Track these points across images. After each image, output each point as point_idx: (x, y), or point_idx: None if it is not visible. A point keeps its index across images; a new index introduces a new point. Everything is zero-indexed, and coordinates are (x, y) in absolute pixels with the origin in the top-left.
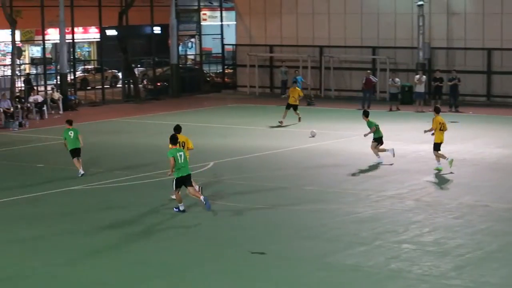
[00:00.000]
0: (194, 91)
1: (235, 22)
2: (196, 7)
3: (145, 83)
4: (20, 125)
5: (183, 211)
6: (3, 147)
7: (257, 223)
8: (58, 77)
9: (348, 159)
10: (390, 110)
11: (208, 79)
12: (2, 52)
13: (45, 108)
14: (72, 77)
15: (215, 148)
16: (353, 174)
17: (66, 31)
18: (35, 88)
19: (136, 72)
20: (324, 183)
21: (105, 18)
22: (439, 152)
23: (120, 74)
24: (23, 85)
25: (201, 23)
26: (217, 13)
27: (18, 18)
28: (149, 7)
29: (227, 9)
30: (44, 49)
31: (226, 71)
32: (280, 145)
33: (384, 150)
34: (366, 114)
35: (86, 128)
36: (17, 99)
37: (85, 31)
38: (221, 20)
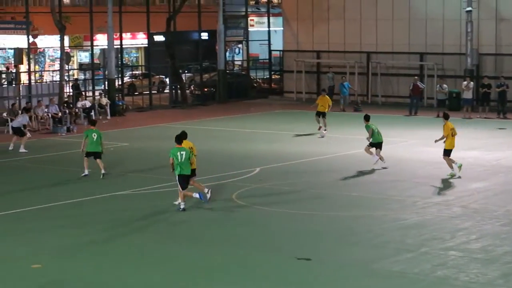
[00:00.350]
0: (241, 97)
1: (282, 28)
2: (243, 13)
3: (192, 88)
4: (68, 130)
5: (183, 209)
6: (51, 152)
7: (303, 229)
8: (106, 83)
9: (394, 166)
10: (438, 116)
11: (255, 85)
12: (51, 58)
13: (92, 113)
14: (120, 83)
15: (262, 154)
16: (399, 181)
17: (114, 36)
18: (83, 93)
19: (184, 78)
20: (369, 189)
21: (153, 24)
22: (449, 158)
23: (167, 80)
24: (71, 90)
25: (249, 29)
26: (265, 19)
27: (67, 23)
28: (196, 13)
29: (275, 15)
30: (92, 54)
31: (273, 77)
32: (326, 151)
33: (371, 153)
34: (366, 118)
35: (133, 134)
36: (65, 104)
37: (133, 37)
38: (269, 26)
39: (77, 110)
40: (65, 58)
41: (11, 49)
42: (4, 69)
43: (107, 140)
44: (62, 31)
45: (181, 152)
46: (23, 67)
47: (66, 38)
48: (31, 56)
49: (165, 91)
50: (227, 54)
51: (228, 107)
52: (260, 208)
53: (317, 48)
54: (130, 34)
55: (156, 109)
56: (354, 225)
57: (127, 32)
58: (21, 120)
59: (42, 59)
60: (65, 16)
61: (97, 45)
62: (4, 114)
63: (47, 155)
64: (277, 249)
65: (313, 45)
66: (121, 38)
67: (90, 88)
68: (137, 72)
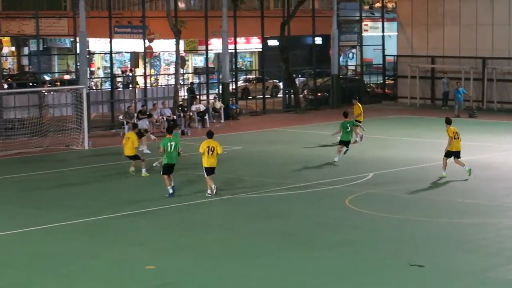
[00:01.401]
0: None
1: (396, 33)
2: (357, 18)
3: (306, 93)
4: (183, 133)
5: (172, 194)
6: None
7: (417, 235)
8: (220, 87)
9: (507, 173)
10: None
11: (368, 90)
12: (166, 62)
13: (207, 117)
14: (234, 87)
15: (375, 159)
16: None
17: (229, 41)
18: (197, 97)
19: (297, 82)
20: (485, 197)
21: (267, 28)
22: (459, 160)
23: (281, 84)
24: (186, 94)
25: (362, 34)
26: (379, 24)
27: (183, 28)
28: (311, 17)
29: (389, 20)
30: (207, 58)
31: (386, 82)
32: (441, 157)
33: (339, 153)
34: (345, 115)
35: (246, 137)
36: (179, 108)
37: (247, 41)
38: (383, 31)
39: (191, 113)
40: (180, 62)
41: (128, 53)
42: (120, 72)
43: (222, 143)
44: (177, 36)
45: (170, 143)
46: (139, 71)
47: (181, 42)
48: (146, 60)
49: (279, 95)
50: (341, 59)
51: (341, 112)
52: (372, 213)
53: (432, 53)
54: (244, 38)
55: (269, 113)
56: (468, 232)
57: (241, 36)
58: (141, 123)
59: (158, 63)
60: (181, 21)
61: (212, 49)
62: (120, 117)
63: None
64: (390, 255)
65: (428, 50)
66: (235, 43)
67: (204, 92)
68: (251, 76)
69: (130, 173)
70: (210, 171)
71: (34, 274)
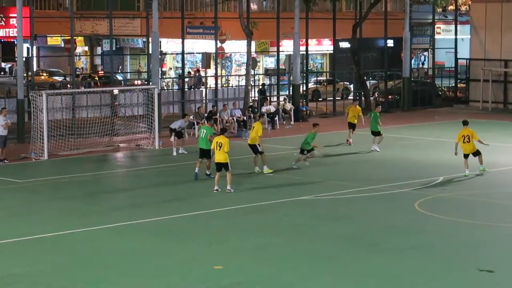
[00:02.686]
0: (426, 105)
1: (469, 36)
2: (430, 21)
3: (377, 95)
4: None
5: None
6: (235, 156)
7: (487, 240)
8: (291, 88)
9: None
10: None
11: (440, 93)
12: (237, 63)
13: (277, 118)
14: (304, 88)
15: (445, 163)
16: None
17: (300, 42)
18: (268, 98)
19: (368, 85)
20: None
21: (339, 30)
22: (479, 158)
23: (351, 86)
24: (256, 95)
25: (435, 37)
26: (452, 27)
27: (254, 29)
28: (383, 20)
29: (462, 23)
30: (278, 60)
31: (458, 86)
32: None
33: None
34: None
35: (316, 139)
36: (250, 109)
37: (319, 43)
38: (456, 34)
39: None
40: (251, 63)
41: (199, 53)
42: (192, 73)
43: (291, 145)
44: (249, 37)
45: (203, 130)
46: (210, 71)
47: (253, 44)
48: (218, 61)
49: (349, 97)
50: (413, 61)
51: (412, 115)
52: (442, 217)
53: (505, 57)
54: (315, 40)
55: (339, 116)
56: None
57: (313, 38)
58: (176, 123)
59: (229, 63)
60: (253, 22)
61: (283, 51)
62: (191, 117)
63: (231, 158)
64: (459, 260)
65: (501, 53)
66: (306, 44)
67: (275, 93)
68: (321, 78)
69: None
70: (217, 167)
71: (103, 273)
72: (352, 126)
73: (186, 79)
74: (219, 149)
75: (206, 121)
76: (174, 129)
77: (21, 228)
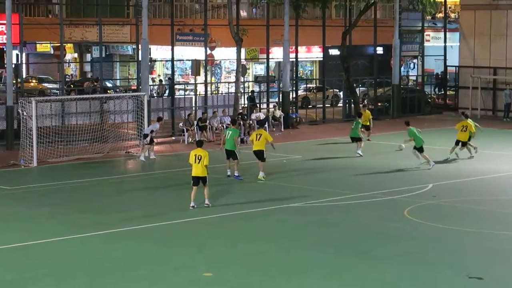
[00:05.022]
0: (415, 112)
1: (458, 44)
2: (419, 28)
3: (366, 103)
4: (242, 141)
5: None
6: (225, 162)
7: (477, 247)
8: (281, 95)
9: None
10: None
11: (429, 100)
12: (227, 70)
13: (266, 125)
14: (294, 95)
15: (434, 170)
16: None
17: (290, 50)
18: (257, 105)
19: (358, 92)
20: None
21: (329, 37)
22: (466, 147)
23: (341, 94)
24: (246, 102)
25: (424, 44)
26: (441, 34)
27: (244, 36)
28: (372, 27)
29: (451, 30)
30: (267, 67)
31: (448, 93)
32: (501, 168)
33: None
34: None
35: (306, 146)
36: (239, 116)
37: (308, 50)
38: (445, 42)
39: (251, 122)
40: (241, 70)
41: (189, 60)
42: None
43: (281, 152)
44: (239, 44)
45: (229, 132)
46: (200, 79)
47: (243, 51)
48: (207, 68)
49: (339, 105)
50: (402, 69)
51: (401, 122)
52: (432, 224)
53: (494, 64)
54: (305, 47)
55: (329, 123)
56: None
57: (302, 45)
58: (151, 128)
59: (219, 70)
60: (242, 29)
61: (273, 58)
62: (180, 124)
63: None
64: (449, 267)
65: (490, 61)
66: (296, 51)
67: (265, 100)
68: (311, 85)
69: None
70: (195, 180)
71: (92, 280)
72: (366, 128)
73: (155, 87)
74: (198, 162)
75: (231, 124)
76: (146, 135)
77: (10, 235)
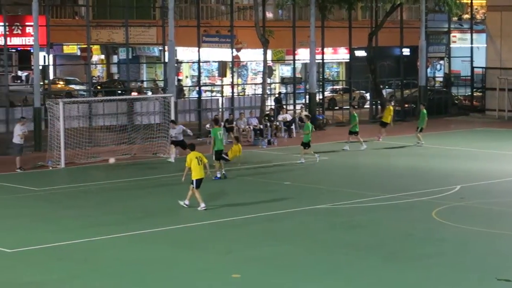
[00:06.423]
0: (441, 114)
1: (485, 45)
2: (446, 29)
3: (392, 104)
4: (269, 142)
5: (219, 178)
6: (251, 164)
7: (505, 249)
8: (307, 97)
9: None
10: None
11: (456, 101)
12: (253, 71)
13: (293, 126)
14: (321, 97)
15: (462, 172)
16: None
17: (316, 51)
18: (284, 107)
19: (384, 93)
20: None
21: (355, 39)
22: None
23: (367, 95)
24: (273, 103)
25: (451, 45)
26: (467, 36)
27: (270, 38)
28: (398, 28)
29: (478, 31)
30: (294, 68)
31: (474, 94)
32: None
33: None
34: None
35: (332, 148)
36: (266, 118)
37: (335, 52)
38: (471, 43)
39: (278, 123)
40: (268, 71)
41: (215, 62)
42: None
43: (307, 154)
44: (265, 45)
45: (219, 132)
46: (227, 80)
47: (269, 52)
48: (234, 69)
49: (365, 106)
50: (428, 70)
51: (428, 124)
52: (460, 226)
53: None
54: (331, 49)
55: None
56: None
57: (328, 46)
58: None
59: (245, 72)
60: (269, 31)
61: (299, 59)
62: (207, 126)
63: (248, 167)
64: (477, 269)
65: None
66: (322, 53)
67: (291, 101)
68: (338, 87)
69: None
70: (200, 182)
71: (118, 282)
72: (384, 125)
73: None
74: (201, 164)
75: (215, 124)
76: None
77: (37, 236)
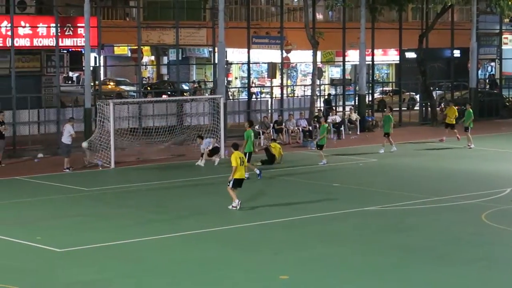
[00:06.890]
0: (492, 116)
1: None
2: (497, 31)
3: (443, 106)
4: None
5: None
6: (300, 165)
7: None
8: (357, 98)
9: None
10: None
11: (507, 104)
12: (303, 73)
13: (342, 128)
14: (370, 99)
15: None
16: None
17: (366, 53)
18: (333, 108)
19: (434, 95)
20: None
21: (405, 40)
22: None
23: (417, 97)
24: (322, 105)
25: (502, 47)
26: None
27: (320, 39)
28: (449, 30)
29: None
30: (344, 70)
31: None
32: None
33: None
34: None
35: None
36: (315, 119)
37: (385, 53)
38: None
39: (327, 125)
40: (317, 73)
41: (265, 63)
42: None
43: (357, 155)
44: (315, 47)
45: (252, 134)
46: (276, 81)
47: (319, 54)
48: (283, 71)
49: (415, 108)
50: (479, 72)
51: (478, 126)
52: (510, 229)
53: None
54: (381, 50)
55: (405, 126)
56: None
57: (378, 48)
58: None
59: (294, 73)
60: (319, 32)
61: (349, 61)
62: (256, 127)
63: (294, 168)
64: None
65: None
66: (372, 54)
67: (341, 103)
68: (387, 89)
69: None
70: (240, 183)
71: (170, 281)
72: (450, 126)
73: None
74: (242, 164)
75: (248, 125)
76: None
77: (89, 235)
